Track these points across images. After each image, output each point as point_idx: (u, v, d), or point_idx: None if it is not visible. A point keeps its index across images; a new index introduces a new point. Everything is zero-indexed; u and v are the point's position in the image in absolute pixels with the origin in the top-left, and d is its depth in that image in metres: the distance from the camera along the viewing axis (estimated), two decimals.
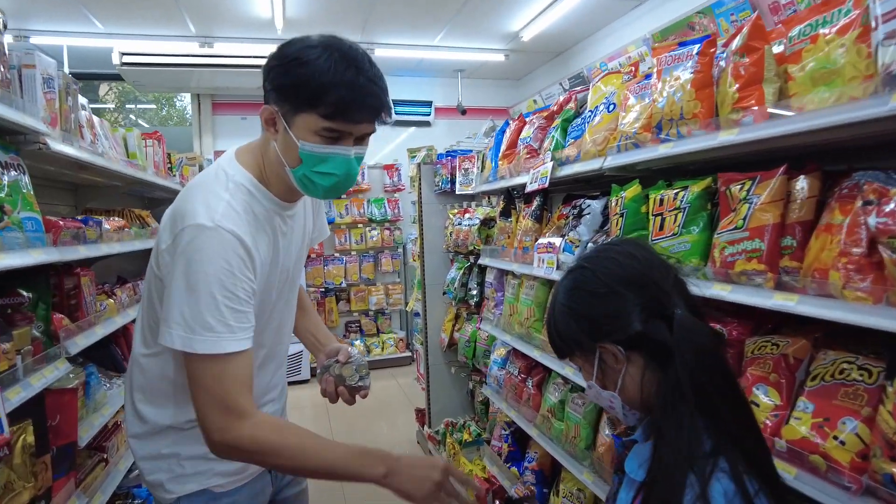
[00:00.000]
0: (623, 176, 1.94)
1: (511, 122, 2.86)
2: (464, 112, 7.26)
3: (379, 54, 6.10)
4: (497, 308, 2.92)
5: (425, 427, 4.34)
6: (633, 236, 1.75)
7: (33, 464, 1.39)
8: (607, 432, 2.05)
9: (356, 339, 6.79)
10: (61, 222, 1.59)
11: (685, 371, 0.90)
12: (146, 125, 11.26)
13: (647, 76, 1.77)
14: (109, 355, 2.20)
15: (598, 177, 2.40)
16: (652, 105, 1.65)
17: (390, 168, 6.99)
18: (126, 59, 5.63)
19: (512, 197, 2.79)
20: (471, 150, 4.14)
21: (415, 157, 4.33)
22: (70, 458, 1.55)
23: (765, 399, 1.34)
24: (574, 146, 2.15)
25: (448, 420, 4.20)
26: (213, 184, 1.22)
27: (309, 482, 1.57)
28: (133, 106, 11.86)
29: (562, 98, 2.52)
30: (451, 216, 4.02)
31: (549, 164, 2.19)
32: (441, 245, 4.23)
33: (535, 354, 2.45)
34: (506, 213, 2.77)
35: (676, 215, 1.58)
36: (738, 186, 1.43)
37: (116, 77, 6.36)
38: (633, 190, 1.74)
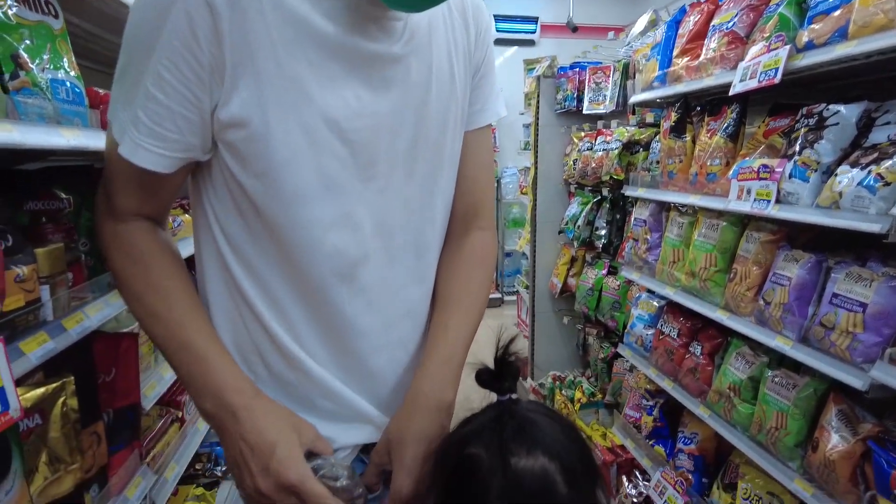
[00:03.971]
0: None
1: (689, 7, 2.16)
2: (574, 30, 6.38)
3: None
4: (650, 252, 2.31)
5: (528, 379, 3.88)
6: None
7: (79, 436, 0.98)
8: (843, 434, 1.46)
9: None
10: None
11: None
12: None
13: None
14: None
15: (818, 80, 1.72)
16: None
17: None
18: None
19: (689, 108, 2.12)
20: (600, 62, 3.44)
21: (532, 69, 3.67)
22: (131, 424, 1.15)
23: None
24: (824, 23, 1.46)
25: (555, 374, 3.72)
26: None
27: None
28: None
29: None
30: (575, 140, 3.38)
31: (784, 51, 1.52)
32: (559, 175, 3.61)
33: (719, 315, 1.85)
34: (678, 130, 2.12)
35: None
36: None
37: None
38: None
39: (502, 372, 0.74)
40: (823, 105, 1.55)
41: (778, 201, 1.57)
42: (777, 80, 1.52)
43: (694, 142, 2.10)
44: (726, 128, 1.90)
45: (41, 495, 0.89)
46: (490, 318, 6.36)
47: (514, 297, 5.90)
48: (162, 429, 1.35)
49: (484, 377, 0.74)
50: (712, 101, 2.04)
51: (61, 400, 0.95)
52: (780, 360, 1.77)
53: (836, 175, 1.42)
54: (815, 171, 1.51)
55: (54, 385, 0.94)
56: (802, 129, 1.58)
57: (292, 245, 0.79)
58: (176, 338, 0.78)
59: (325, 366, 0.85)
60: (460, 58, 0.90)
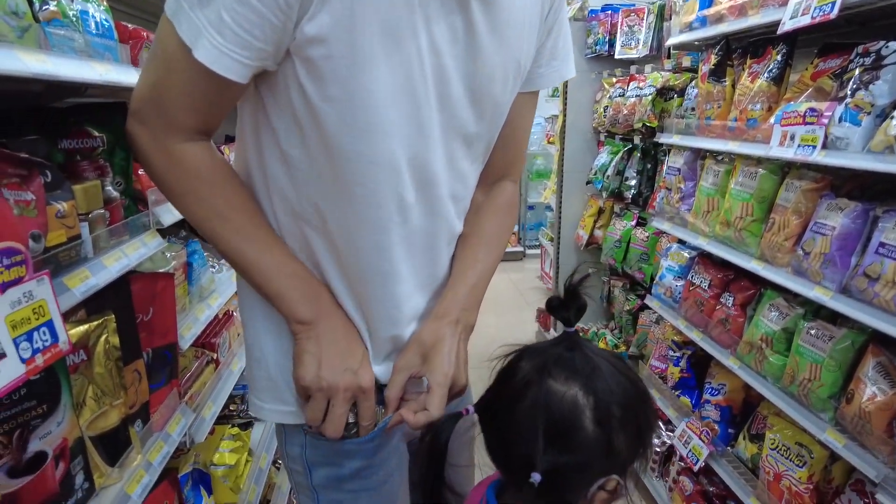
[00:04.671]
0: None
1: None
2: None
3: None
4: (684, 202, 2.26)
5: (551, 331, 3.89)
6: None
7: (121, 373, 1.00)
8: (881, 385, 1.44)
9: None
10: (144, 33, 1.09)
11: None
12: None
13: None
14: None
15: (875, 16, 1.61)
16: None
17: None
18: None
19: (730, 50, 2.02)
20: (633, 4, 3.29)
21: None
22: (170, 363, 1.17)
23: None
24: None
25: (578, 326, 3.71)
26: None
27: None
28: None
29: None
30: (607, 87, 3.27)
31: None
32: (588, 124, 3.52)
33: (754, 266, 1.81)
34: (718, 73, 2.03)
35: None
36: None
37: None
38: None
39: (568, 303, 0.76)
40: (882, 43, 1.46)
41: (825, 147, 1.50)
42: (833, 15, 1.43)
43: (734, 86, 2.01)
44: (770, 70, 1.81)
45: (90, 428, 0.91)
46: (511, 271, 6.30)
47: (536, 251, 5.86)
48: (198, 369, 1.38)
49: (553, 304, 0.77)
50: (756, 43, 1.94)
51: (103, 337, 0.97)
52: (815, 312, 1.73)
53: (892, 118, 1.35)
54: (869, 114, 1.43)
55: (96, 322, 0.95)
56: (857, 70, 1.49)
57: (354, 179, 0.76)
58: (267, 256, 0.80)
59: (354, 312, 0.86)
60: (535, 13, 0.85)
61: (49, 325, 0.68)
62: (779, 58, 1.80)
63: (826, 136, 1.50)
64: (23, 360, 0.63)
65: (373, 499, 0.89)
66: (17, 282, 0.64)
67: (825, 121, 1.50)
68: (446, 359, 0.84)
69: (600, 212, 3.49)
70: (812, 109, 1.55)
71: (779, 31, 1.63)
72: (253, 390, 0.93)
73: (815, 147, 1.52)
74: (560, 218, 3.73)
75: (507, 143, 0.95)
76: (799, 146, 1.58)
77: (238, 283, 0.90)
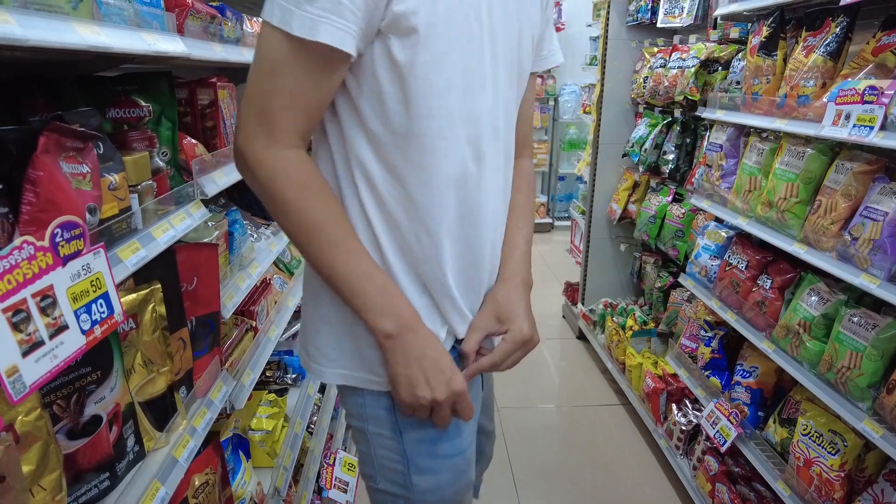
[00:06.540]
0: None
1: None
2: None
3: None
4: (724, 179, 2.20)
5: (579, 305, 3.87)
6: None
7: (167, 341, 1.03)
8: None
9: None
10: (189, 0, 1.08)
11: None
12: None
13: None
14: (256, 198, 1.78)
15: None
16: None
17: None
18: None
19: (784, 22, 1.93)
20: None
21: None
22: (212, 331, 1.19)
23: None
24: None
25: (607, 300, 3.69)
26: None
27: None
28: None
29: None
30: (647, 56, 3.16)
31: None
32: (626, 94, 3.42)
33: (795, 249, 1.76)
34: (769, 46, 1.94)
35: None
36: None
37: None
38: None
39: None
40: None
41: (883, 128, 1.44)
42: None
43: (785, 61, 1.93)
44: (827, 44, 1.73)
45: (139, 394, 0.94)
46: (540, 243, 6.28)
47: (565, 223, 5.81)
48: (238, 337, 1.41)
49: None
50: (813, 14, 1.84)
51: (151, 306, 0.99)
52: (858, 299, 1.69)
53: None
54: None
55: (144, 292, 0.97)
56: None
57: (437, 133, 0.83)
58: (360, 268, 0.84)
59: (442, 265, 0.91)
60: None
61: (105, 297, 0.70)
62: (838, 31, 1.72)
63: (886, 117, 1.43)
64: (83, 332, 0.65)
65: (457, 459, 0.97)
66: (76, 255, 0.65)
67: (886, 100, 1.43)
68: (525, 322, 0.95)
69: (635, 186, 3.42)
70: (872, 87, 1.48)
71: (841, 2, 1.54)
72: (329, 359, 0.95)
73: (872, 128, 1.46)
74: (593, 190, 3.67)
75: (523, 120, 1.06)
76: (854, 126, 1.51)
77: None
